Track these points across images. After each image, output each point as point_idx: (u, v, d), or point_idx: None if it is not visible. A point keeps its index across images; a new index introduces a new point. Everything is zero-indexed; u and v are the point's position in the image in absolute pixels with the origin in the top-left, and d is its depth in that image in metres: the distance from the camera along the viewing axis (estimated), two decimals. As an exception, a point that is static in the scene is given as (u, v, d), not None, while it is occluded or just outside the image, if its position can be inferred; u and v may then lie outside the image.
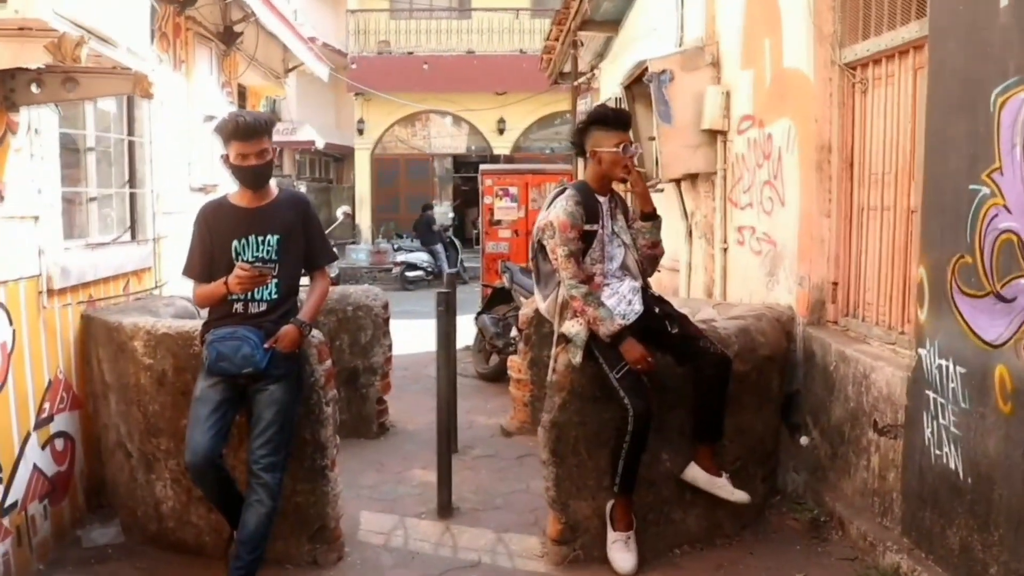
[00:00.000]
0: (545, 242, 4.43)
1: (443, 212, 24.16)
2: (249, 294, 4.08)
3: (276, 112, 27.68)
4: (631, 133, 4.61)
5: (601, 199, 4.47)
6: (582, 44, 10.69)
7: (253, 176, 4.12)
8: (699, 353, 4.36)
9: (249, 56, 8.64)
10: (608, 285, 4.43)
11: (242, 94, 9.99)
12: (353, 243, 25.62)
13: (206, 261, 4.16)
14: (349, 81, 25.05)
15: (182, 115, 6.88)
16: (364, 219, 27.01)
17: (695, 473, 4.52)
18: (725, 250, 6.69)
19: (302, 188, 25.64)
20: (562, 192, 4.50)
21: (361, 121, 26.91)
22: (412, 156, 27.95)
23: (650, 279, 4.64)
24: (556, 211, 4.35)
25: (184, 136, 6.93)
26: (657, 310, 4.46)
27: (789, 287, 5.53)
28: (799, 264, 5.38)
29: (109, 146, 5.90)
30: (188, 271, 4.25)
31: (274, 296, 4.12)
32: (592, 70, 11.00)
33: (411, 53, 25.87)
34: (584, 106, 10.66)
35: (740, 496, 4.49)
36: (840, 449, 4.79)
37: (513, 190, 12.34)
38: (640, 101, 7.61)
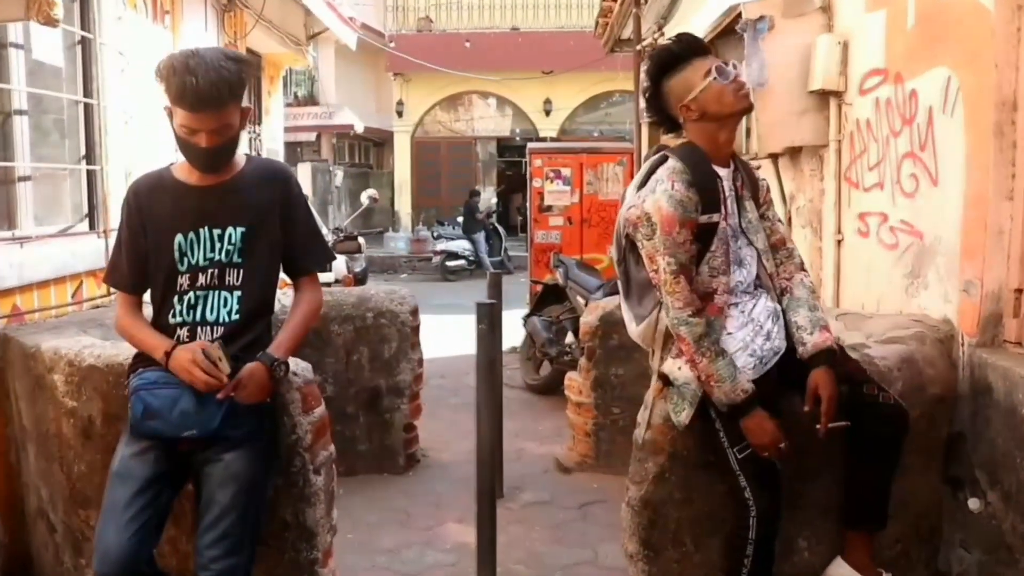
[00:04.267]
0: (639, 242, 2.99)
1: (486, 198, 22.99)
2: (199, 314, 2.78)
3: (314, 96, 26.74)
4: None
5: (721, 172, 3.02)
6: (645, 1, 9.31)
7: (205, 158, 2.78)
8: (863, 404, 2.96)
9: (256, 14, 7.34)
10: (736, 305, 3.01)
11: (256, 62, 8.73)
12: (388, 231, 24.53)
13: (136, 264, 2.86)
14: (392, 51, 23.83)
15: (165, 77, 5.61)
16: (404, 205, 25.98)
17: (843, 573, 3.14)
18: (839, 242, 5.32)
19: (339, 174, 24.59)
20: (663, 161, 3.04)
21: (400, 103, 25.85)
22: (454, 139, 26.85)
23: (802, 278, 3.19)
24: (657, 197, 2.90)
25: (169, 103, 5.66)
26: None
27: (945, 293, 4.15)
28: (963, 263, 3.99)
29: (62, 112, 4.63)
30: (111, 278, 2.96)
31: (234, 318, 2.81)
32: (660, 31, 9.62)
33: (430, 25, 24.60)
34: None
35: (907, 603, 3.12)
36: (1041, 526, 3.40)
37: (566, 172, 10.99)
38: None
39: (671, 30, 9.55)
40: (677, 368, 2.95)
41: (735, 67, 3.02)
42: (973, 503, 3.80)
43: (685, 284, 2.87)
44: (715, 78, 2.92)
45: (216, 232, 2.82)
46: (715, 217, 2.94)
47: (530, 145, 11.91)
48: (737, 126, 3.13)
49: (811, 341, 2.97)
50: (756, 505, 2.82)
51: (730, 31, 5.82)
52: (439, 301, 14.03)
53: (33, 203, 4.24)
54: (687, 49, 3.04)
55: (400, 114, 26.00)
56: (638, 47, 9.65)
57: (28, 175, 4.18)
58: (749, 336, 2.96)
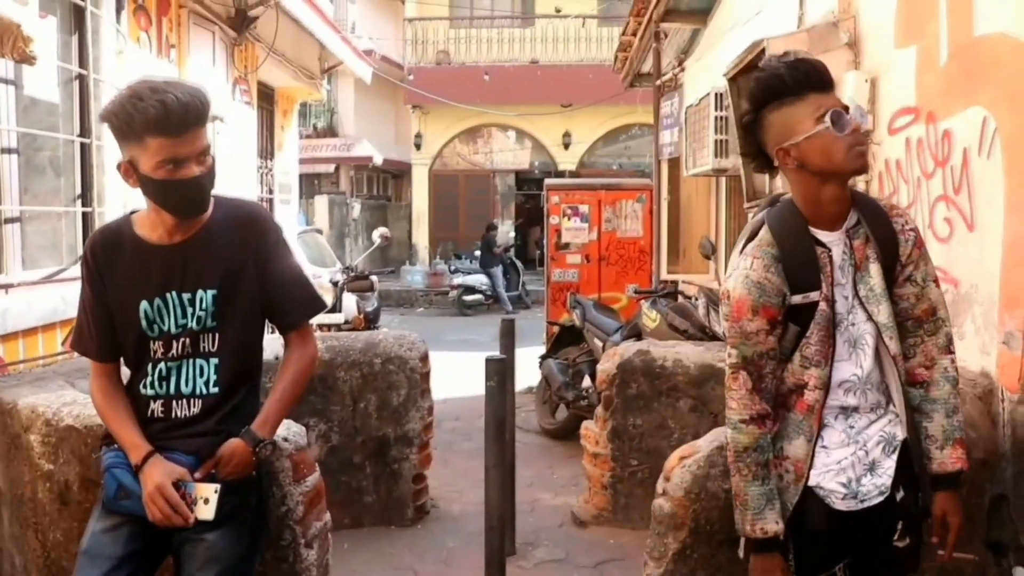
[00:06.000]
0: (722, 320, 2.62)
1: (504, 232, 22.75)
2: (173, 386, 2.54)
3: (333, 127, 26.71)
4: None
5: (827, 236, 2.45)
6: (665, 36, 9.12)
7: (198, 193, 2.48)
8: None
9: (268, 47, 7.17)
10: (846, 415, 2.47)
11: (268, 95, 8.59)
12: (405, 264, 24.37)
13: (102, 328, 2.58)
14: (411, 87, 23.78)
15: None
16: (421, 238, 25.76)
17: None
18: (868, 288, 5.06)
19: (356, 207, 24.44)
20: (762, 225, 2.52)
21: (418, 135, 25.68)
22: (472, 172, 26.63)
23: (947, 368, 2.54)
24: (736, 275, 2.43)
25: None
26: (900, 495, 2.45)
27: (983, 345, 3.90)
28: (1003, 314, 3.75)
29: (58, 150, 4.45)
30: (77, 344, 2.67)
31: (213, 389, 2.55)
32: (680, 66, 9.41)
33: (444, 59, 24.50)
34: (669, 108, 9.02)
35: None
36: (1098, 604, 3.12)
37: (584, 208, 10.75)
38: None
39: (691, 65, 9.37)
40: None
41: (858, 112, 2.53)
42: (1021, 572, 3.54)
43: (745, 382, 2.40)
44: (828, 126, 2.34)
45: (185, 296, 2.54)
46: (813, 296, 2.39)
47: (547, 181, 11.65)
48: (847, 183, 2.48)
49: (939, 459, 2.43)
50: None
51: (753, 67, 5.61)
52: (455, 336, 13.81)
53: (21, 246, 4.04)
54: (803, 81, 2.42)
55: (418, 146, 25.83)
56: (658, 82, 9.45)
57: (16, 216, 3.98)
58: (848, 461, 2.43)
